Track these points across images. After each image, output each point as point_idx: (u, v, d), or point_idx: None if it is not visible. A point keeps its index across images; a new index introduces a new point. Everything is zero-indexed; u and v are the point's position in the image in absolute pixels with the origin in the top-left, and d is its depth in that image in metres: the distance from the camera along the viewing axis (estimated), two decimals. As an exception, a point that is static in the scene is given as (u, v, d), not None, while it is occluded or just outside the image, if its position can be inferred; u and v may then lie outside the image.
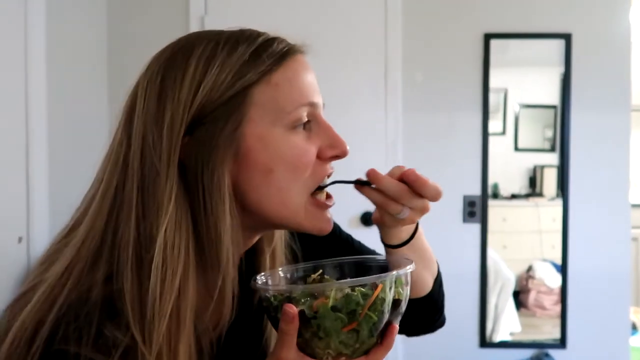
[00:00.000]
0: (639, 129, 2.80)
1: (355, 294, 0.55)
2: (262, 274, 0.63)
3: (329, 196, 0.66)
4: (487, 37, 2.34)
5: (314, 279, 0.64)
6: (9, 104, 1.72)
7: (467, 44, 2.35)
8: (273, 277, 0.64)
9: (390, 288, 0.57)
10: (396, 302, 0.58)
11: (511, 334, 2.46)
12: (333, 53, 2.33)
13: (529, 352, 2.38)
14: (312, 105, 0.62)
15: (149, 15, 2.37)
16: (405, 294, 0.60)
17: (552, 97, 2.43)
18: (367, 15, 2.34)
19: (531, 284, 2.51)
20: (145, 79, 0.59)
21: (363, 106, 2.34)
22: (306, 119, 0.61)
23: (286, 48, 0.62)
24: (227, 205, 0.57)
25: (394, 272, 0.57)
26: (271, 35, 0.63)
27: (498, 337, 2.41)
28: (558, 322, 2.38)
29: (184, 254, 0.55)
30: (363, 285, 0.56)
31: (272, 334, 0.69)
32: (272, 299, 0.57)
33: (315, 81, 0.64)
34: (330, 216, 0.65)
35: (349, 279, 0.59)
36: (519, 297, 2.51)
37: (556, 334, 2.38)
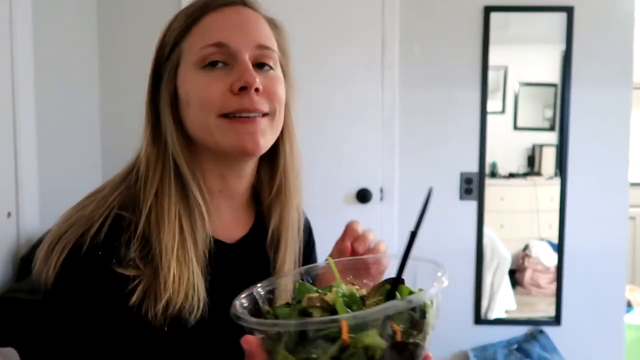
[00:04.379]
0: (639, 107, 2.76)
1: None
2: (244, 294, 0.55)
3: (250, 120, 0.70)
4: (487, 10, 2.28)
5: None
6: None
7: (467, 16, 2.30)
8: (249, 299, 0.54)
9: (384, 327, 0.42)
10: (400, 347, 0.42)
11: (506, 311, 2.46)
12: (329, 26, 2.28)
13: (524, 329, 2.39)
14: (221, 45, 0.70)
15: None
16: (426, 335, 0.44)
17: (553, 75, 2.39)
18: (364, -13, 2.28)
19: (527, 262, 2.50)
20: None
21: (359, 81, 2.29)
22: (214, 59, 0.70)
23: (208, 4, 0.72)
24: (172, 131, 0.72)
25: (394, 303, 0.43)
26: None
27: (493, 315, 2.42)
28: (553, 300, 2.39)
29: (160, 166, 0.71)
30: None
31: (287, 253, 0.80)
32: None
33: (240, 27, 0.72)
34: (252, 136, 0.70)
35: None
36: (515, 276, 2.51)
37: (551, 312, 2.39)
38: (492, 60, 2.31)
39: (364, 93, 2.30)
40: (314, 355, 0.42)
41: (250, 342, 0.47)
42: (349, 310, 0.46)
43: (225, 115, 0.69)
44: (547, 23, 2.35)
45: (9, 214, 1.70)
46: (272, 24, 0.77)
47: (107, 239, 0.66)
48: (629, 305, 2.92)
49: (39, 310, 0.68)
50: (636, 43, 2.30)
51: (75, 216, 0.69)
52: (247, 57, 0.70)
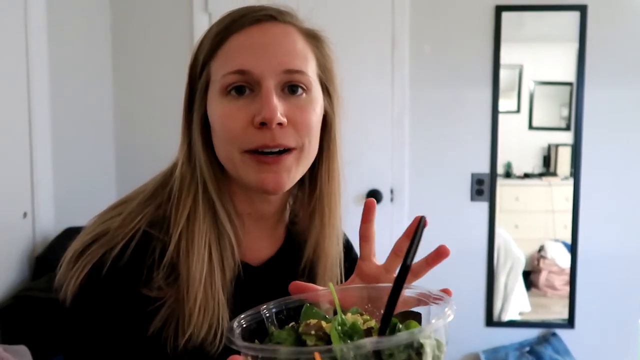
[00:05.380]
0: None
1: None
2: (246, 314, 0.50)
3: (273, 160, 0.66)
4: (499, 9, 2.27)
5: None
6: (11, 80, 1.72)
7: (478, 16, 2.28)
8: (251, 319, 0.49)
9: None
10: None
11: (520, 313, 2.44)
12: (338, 25, 2.28)
13: (536, 332, 2.36)
14: (242, 73, 0.66)
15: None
16: None
17: (569, 73, 2.36)
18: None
19: (542, 264, 2.48)
20: None
21: (369, 80, 2.29)
22: (238, 85, 0.66)
23: (232, 23, 0.68)
24: (201, 154, 0.69)
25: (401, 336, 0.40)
26: (245, 9, 0.69)
27: (507, 317, 2.39)
28: (568, 302, 2.35)
29: (194, 187, 0.69)
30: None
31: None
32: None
33: (265, 49, 0.66)
34: (275, 175, 0.66)
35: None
36: (530, 277, 2.49)
37: (566, 314, 2.35)
38: (507, 59, 2.29)
39: (374, 93, 2.30)
40: None
41: None
42: (349, 341, 0.42)
43: (248, 151, 0.66)
44: (562, 21, 2.32)
45: (24, 214, 1.74)
46: (311, 36, 0.72)
47: (130, 261, 0.64)
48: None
49: (56, 317, 0.68)
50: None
51: (101, 229, 0.67)
52: (271, 85, 0.65)
